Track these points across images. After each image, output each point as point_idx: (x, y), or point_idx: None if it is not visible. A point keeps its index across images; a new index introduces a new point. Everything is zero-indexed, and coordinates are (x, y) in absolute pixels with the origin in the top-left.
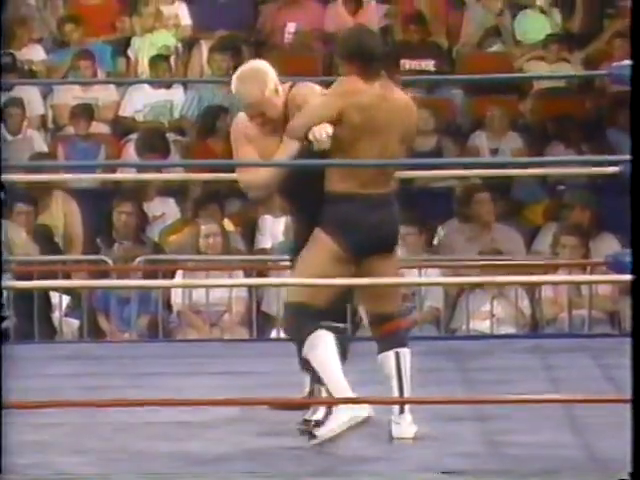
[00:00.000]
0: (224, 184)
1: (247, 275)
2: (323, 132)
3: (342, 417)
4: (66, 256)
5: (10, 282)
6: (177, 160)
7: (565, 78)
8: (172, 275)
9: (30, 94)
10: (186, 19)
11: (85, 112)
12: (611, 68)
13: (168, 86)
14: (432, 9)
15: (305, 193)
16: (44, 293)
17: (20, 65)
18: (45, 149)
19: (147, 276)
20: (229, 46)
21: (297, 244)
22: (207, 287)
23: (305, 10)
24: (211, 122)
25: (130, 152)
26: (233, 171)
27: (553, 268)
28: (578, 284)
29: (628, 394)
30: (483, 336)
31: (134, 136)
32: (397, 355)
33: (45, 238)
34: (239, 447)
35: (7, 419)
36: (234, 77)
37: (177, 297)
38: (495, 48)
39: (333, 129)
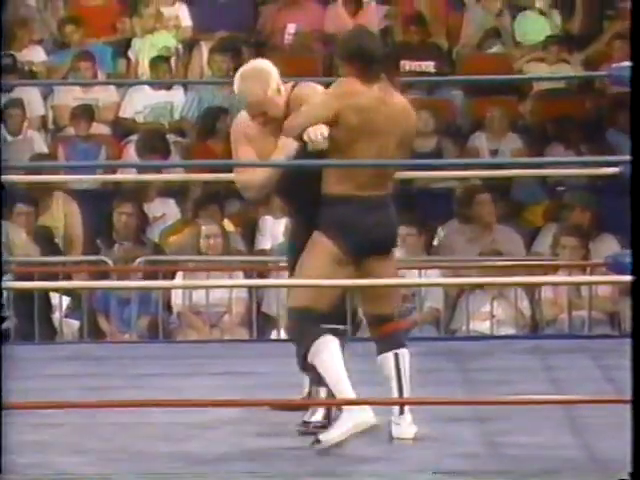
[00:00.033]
0: (224, 185)
1: (247, 276)
2: (318, 133)
3: (347, 424)
4: (66, 257)
5: (10, 283)
6: (177, 161)
7: (565, 79)
8: (172, 276)
9: (30, 95)
10: (186, 20)
11: (85, 113)
12: (611, 69)
13: (168, 87)
14: (432, 10)
15: (302, 194)
16: (44, 294)
17: (20, 66)
18: (45, 150)
19: (147, 277)
20: (229, 47)
21: (294, 245)
22: (207, 288)
23: (305, 11)
24: (211, 123)
25: (130, 153)
26: (233, 172)
27: (553, 269)
28: (578, 285)
29: (628, 395)
30: (483, 337)
31: (134, 137)
32: (396, 356)
33: (45, 239)
34: (239, 447)
35: (7, 419)
36: (237, 76)
37: (177, 298)
38: (495, 49)
39: (330, 130)
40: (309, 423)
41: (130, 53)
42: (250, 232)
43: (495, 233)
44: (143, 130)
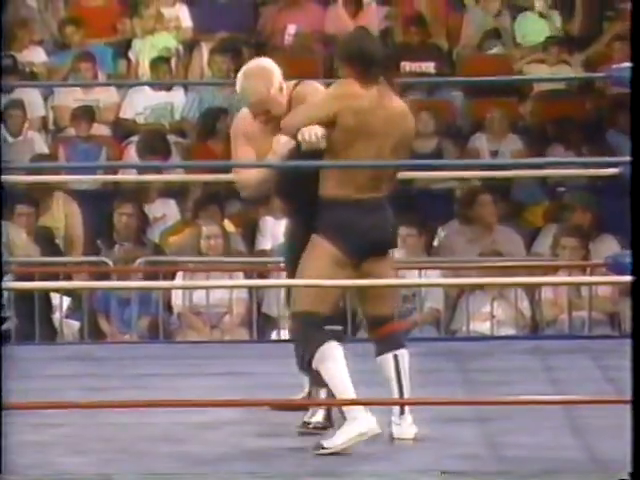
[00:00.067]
0: (224, 185)
1: (247, 276)
2: (312, 134)
3: (352, 431)
4: (67, 257)
5: (11, 283)
6: (177, 162)
7: (565, 80)
8: (172, 276)
9: (31, 96)
10: (187, 21)
11: (86, 114)
12: (611, 70)
13: (169, 88)
14: (432, 11)
15: (300, 194)
16: (45, 294)
17: (21, 67)
18: (46, 151)
19: (147, 277)
20: (229, 48)
21: (293, 245)
22: (207, 288)
23: (305, 12)
24: (211, 124)
25: (131, 154)
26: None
27: (553, 269)
28: (578, 285)
29: (628, 395)
30: (483, 337)
31: (135, 138)
32: (396, 357)
33: (46, 239)
34: (239, 448)
35: (8, 419)
36: (239, 74)
37: (177, 298)
38: (495, 50)
39: (328, 132)
40: (309, 424)
41: (130, 54)
42: (250, 233)
43: (495, 234)
44: (144, 131)
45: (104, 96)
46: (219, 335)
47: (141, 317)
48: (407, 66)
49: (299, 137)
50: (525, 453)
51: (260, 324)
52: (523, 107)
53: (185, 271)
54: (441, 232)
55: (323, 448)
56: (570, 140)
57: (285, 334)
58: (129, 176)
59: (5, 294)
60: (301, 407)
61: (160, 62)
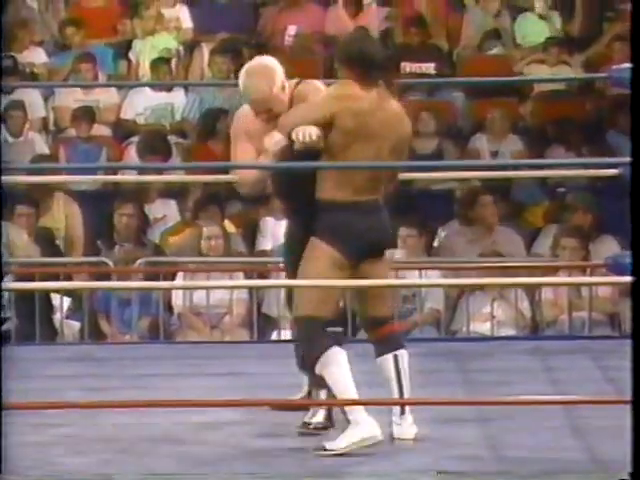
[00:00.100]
0: (225, 186)
1: (248, 277)
2: (307, 134)
3: (355, 436)
4: (67, 258)
5: (11, 284)
6: (178, 163)
7: (565, 81)
8: (173, 277)
9: (31, 97)
10: (187, 22)
11: (86, 115)
12: (611, 71)
13: (169, 89)
14: (432, 12)
15: (297, 195)
16: (45, 295)
17: (21, 68)
18: (46, 151)
19: (148, 278)
20: (230, 49)
21: (291, 246)
22: (208, 289)
23: (306, 13)
24: (211, 124)
25: (131, 154)
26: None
27: (553, 270)
28: (578, 286)
29: (628, 395)
30: (483, 338)
31: (135, 138)
32: (396, 357)
33: (46, 240)
34: (239, 448)
35: (8, 420)
36: (242, 72)
37: (178, 299)
38: (495, 51)
39: (324, 133)
40: (310, 424)
41: (131, 55)
42: (251, 233)
43: (495, 234)
44: (144, 131)
45: (104, 97)
46: (219, 335)
47: (141, 317)
48: (407, 67)
49: (293, 135)
50: (525, 453)
51: (260, 324)
52: (523, 108)
53: (185, 271)
54: (441, 232)
55: (325, 450)
56: (570, 141)
57: (285, 334)
58: (129, 176)
59: (5, 294)
60: (301, 407)
61: (160, 63)
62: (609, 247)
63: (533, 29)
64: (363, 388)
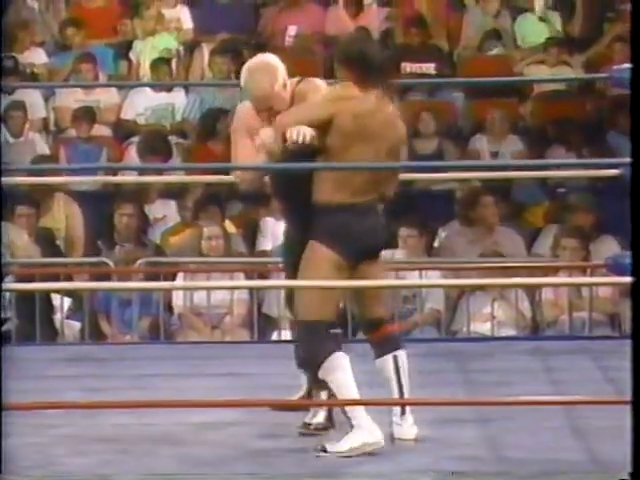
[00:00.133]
0: (225, 186)
1: (248, 277)
2: (301, 134)
3: (357, 441)
4: (67, 258)
5: (12, 284)
6: (178, 163)
7: (565, 81)
8: (173, 277)
9: (32, 97)
10: (187, 22)
11: (87, 115)
12: (611, 71)
13: (169, 89)
14: (433, 12)
15: (294, 195)
16: (46, 295)
17: (22, 68)
18: (47, 152)
19: (148, 278)
20: (230, 49)
21: (290, 247)
22: (208, 289)
23: (306, 13)
24: (212, 125)
25: (132, 155)
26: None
27: (553, 270)
28: (578, 286)
29: (628, 396)
30: (484, 338)
31: (136, 139)
32: (395, 358)
33: (47, 240)
34: (240, 448)
35: (8, 420)
36: (244, 69)
37: (178, 299)
38: (496, 51)
39: (322, 134)
40: (310, 425)
41: (131, 55)
42: (251, 233)
43: (496, 234)
44: (144, 132)
45: (105, 97)
46: (220, 336)
47: (142, 318)
48: (408, 67)
49: (287, 134)
50: (525, 454)
51: (261, 325)
52: (523, 108)
53: (186, 272)
54: (442, 233)
55: (325, 452)
56: (571, 141)
57: (285, 335)
58: (130, 177)
59: (6, 295)
60: (301, 407)
61: (161, 63)
62: (609, 247)
63: (533, 29)
64: (364, 388)
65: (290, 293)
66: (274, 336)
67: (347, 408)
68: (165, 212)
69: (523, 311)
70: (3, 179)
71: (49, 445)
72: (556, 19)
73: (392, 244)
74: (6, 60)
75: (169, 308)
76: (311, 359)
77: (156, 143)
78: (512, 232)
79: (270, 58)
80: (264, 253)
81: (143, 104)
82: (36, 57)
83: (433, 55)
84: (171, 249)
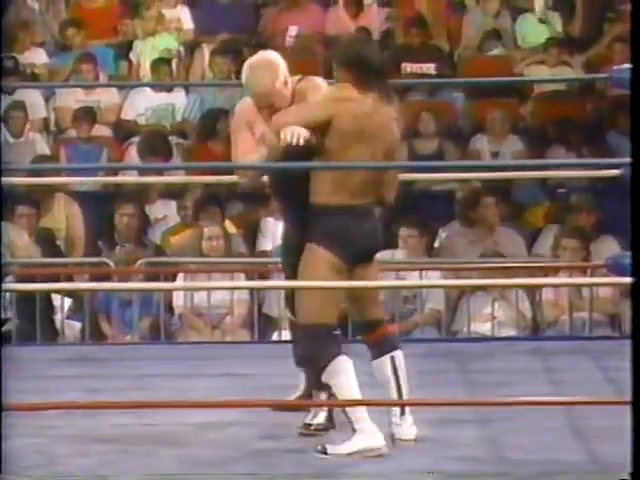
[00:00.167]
0: (225, 186)
1: (249, 277)
2: (295, 134)
3: (358, 445)
4: (68, 259)
5: (12, 285)
6: (178, 163)
7: (566, 81)
8: (174, 278)
9: (32, 97)
10: (188, 23)
11: (87, 115)
12: (611, 71)
13: (170, 89)
14: (433, 12)
15: (293, 195)
16: (46, 295)
17: (22, 68)
18: (47, 152)
19: (149, 279)
20: (231, 49)
21: (289, 248)
22: (209, 289)
23: (306, 13)
24: (212, 125)
25: (132, 155)
26: (234, 173)
27: (554, 270)
28: (579, 286)
29: (628, 396)
30: (484, 338)
31: (136, 139)
32: (392, 359)
33: (47, 241)
34: (240, 449)
35: (9, 421)
36: (245, 65)
37: (179, 299)
38: (496, 51)
39: (322, 136)
40: (310, 425)
41: (132, 55)
42: (251, 234)
43: (496, 235)
44: (145, 132)
45: (105, 97)
46: (220, 336)
47: (142, 318)
48: (408, 67)
49: (281, 134)
50: (525, 454)
51: (261, 325)
52: (524, 108)
53: (186, 272)
54: (442, 233)
55: (326, 453)
56: (571, 141)
57: (286, 335)
58: (130, 177)
59: (6, 295)
60: (302, 408)
61: (161, 63)
62: (610, 247)
63: (533, 30)
64: (364, 389)
65: (289, 294)
66: (274, 336)
67: (350, 412)
68: (165, 212)
69: (523, 311)
70: (3, 179)
71: (49, 445)
72: (556, 19)
73: (392, 244)
74: (6, 60)
75: (169, 308)
76: (314, 362)
77: (156, 143)
78: (512, 232)
79: (272, 55)
80: (264, 253)
81: (143, 104)
82: (36, 57)
83: (433, 55)
84: (172, 249)
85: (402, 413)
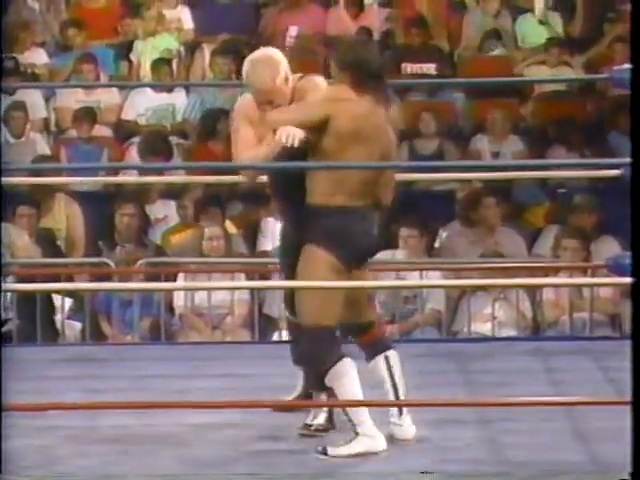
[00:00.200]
0: (226, 187)
1: (249, 278)
2: (290, 136)
3: (359, 447)
4: (68, 259)
5: (13, 285)
6: (179, 163)
7: (566, 82)
8: (174, 278)
9: (33, 97)
10: (188, 23)
11: (88, 115)
12: (612, 72)
13: (170, 89)
14: (433, 13)
15: (291, 195)
16: (47, 296)
17: (23, 69)
18: (48, 152)
19: (149, 279)
20: (231, 50)
21: (286, 248)
22: (209, 290)
23: (307, 14)
24: (212, 125)
25: (133, 155)
26: (234, 173)
27: (554, 271)
28: (579, 287)
29: (628, 396)
30: (484, 338)
31: (136, 139)
32: (387, 358)
33: (47, 241)
34: (241, 449)
35: (9, 421)
36: (246, 62)
37: (179, 300)
38: (496, 52)
39: (319, 136)
40: (311, 426)
41: (132, 55)
42: (252, 234)
43: (497, 235)
44: (145, 132)
45: (106, 97)
46: (221, 336)
47: (143, 318)
48: (408, 67)
49: (277, 134)
50: (526, 454)
51: (262, 325)
52: (524, 108)
53: (187, 272)
54: (442, 233)
55: (326, 454)
56: (571, 142)
57: (286, 335)
58: (130, 177)
59: (7, 295)
60: (302, 408)
61: (161, 63)
62: (610, 248)
63: (534, 30)
64: (364, 388)
65: (288, 293)
66: (275, 336)
67: (352, 415)
68: (166, 212)
69: (524, 311)
70: (4, 179)
71: (50, 446)
72: (556, 19)
73: (393, 244)
74: (7, 60)
75: (170, 309)
76: (318, 364)
77: (157, 143)
78: (513, 232)
79: (273, 52)
80: (265, 253)
81: (144, 104)
82: (37, 57)
83: (434, 55)
84: (173, 249)
85: (400, 413)
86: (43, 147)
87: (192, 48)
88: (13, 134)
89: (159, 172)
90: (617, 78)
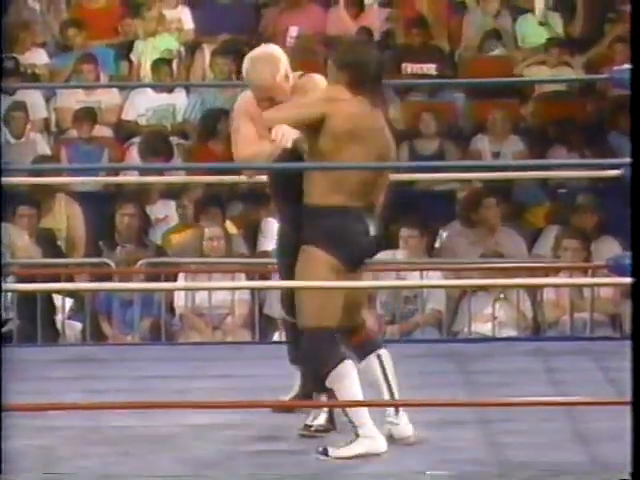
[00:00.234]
0: (226, 187)
1: (249, 278)
2: (284, 137)
3: (360, 448)
4: (69, 259)
5: (13, 285)
6: (179, 163)
7: (566, 82)
8: (175, 278)
9: (33, 98)
10: (189, 23)
11: (88, 115)
12: (612, 72)
13: (170, 90)
14: (434, 13)
15: (289, 195)
16: (47, 296)
17: (23, 69)
18: (48, 152)
19: (149, 279)
20: (231, 50)
21: (284, 249)
22: (210, 290)
23: (307, 14)
24: (212, 125)
25: (133, 155)
26: (235, 173)
27: (555, 271)
28: (580, 287)
29: (629, 397)
30: (485, 339)
31: (137, 139)
32: (379, 357)
33: (48, 241)
34: (240, 450)
35: (9, 421)
36: (246, 59)
37: (180, 300)
38: (497, 52)
39: (315, 136)
40: (311, 426)
41: (132, 56)
42: (252, 234)
43: (497, 235)
44: (146, 132)
45: (106, 98)
46: (221, 336)
47: (143, 318)
48: (409, 68)
49: (272, 133)
50: (526, 454)
51: (262, 325)
52: (525, 108)
53: (187, 272)
54: (443, 233)
55: (327, 455)
56: (572, 141)
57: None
58: (131, 177)
59: (7, 296)
60: (301, 409)
61: (162, 64)
62: (610, 248)
63: (534, 30)
64: (363, 388)
65: (286, 293)
66: (275, 337)
67: (352, 416)
68: (166, 212)
69: (524, 312)
70: (4, 179)
71: (50, 446)
72: (557, 20)
73: (393, 244)
74: (7, 61)
75: (170, 309)
76: (320, 366)
77: (157, 144)
78: (513, 233)
79: (273, 49)
80: (265, 254)
81: (144, 105)
82: (37, 58)
83: (434, 56)
84: (173, 249)
85: (397, 412)
86: (43, 147)
87: (192, 48)
88: (13, 134)
89: (159, 172)
90: (617, 78)
